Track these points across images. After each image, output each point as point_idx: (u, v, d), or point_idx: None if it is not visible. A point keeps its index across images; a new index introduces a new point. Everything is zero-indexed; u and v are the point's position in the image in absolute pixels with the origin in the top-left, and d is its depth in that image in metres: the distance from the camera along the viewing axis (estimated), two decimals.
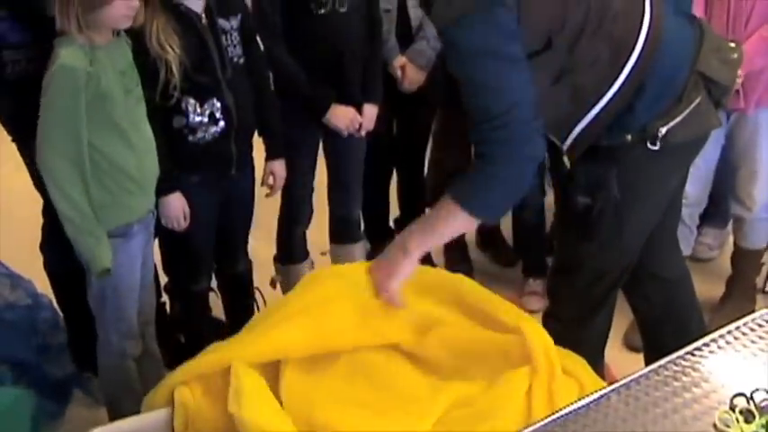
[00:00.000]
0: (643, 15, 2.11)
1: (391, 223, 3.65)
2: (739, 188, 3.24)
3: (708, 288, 3.39)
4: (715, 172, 3.27)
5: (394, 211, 3.65)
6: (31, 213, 2.94)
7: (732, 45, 2.28)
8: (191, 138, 2.63)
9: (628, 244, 2.31)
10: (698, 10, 2.85)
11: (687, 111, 2.14)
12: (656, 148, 2.13)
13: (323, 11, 2.91)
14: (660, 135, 2.12)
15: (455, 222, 2.08)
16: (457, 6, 1.96)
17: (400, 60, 3.22)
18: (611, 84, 2.10)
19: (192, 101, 2.60)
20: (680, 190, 2.49)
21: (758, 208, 3.22)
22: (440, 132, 3.49)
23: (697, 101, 2.15)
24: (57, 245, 2.69)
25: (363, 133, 3.11)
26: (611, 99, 2.11)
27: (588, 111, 2.13)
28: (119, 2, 2.32)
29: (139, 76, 2.49)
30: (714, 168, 3.24)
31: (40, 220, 2.91)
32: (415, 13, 3.19)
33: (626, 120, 2.14)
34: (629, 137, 2.15)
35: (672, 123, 2.13)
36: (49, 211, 2.80)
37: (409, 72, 3.22)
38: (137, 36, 2.50)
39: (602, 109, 2.12)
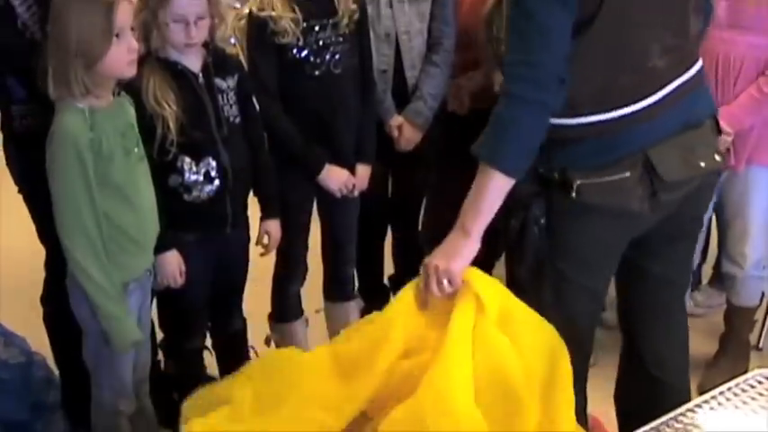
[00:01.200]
0: (655, 92, 2.13)
1: (386, 281, 3.65)
2: (731, 246, 3.26)
3: (701, 344, 3.41)
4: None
5: (388, 269, 3.66)
6: (25, 270, 2.95)
7: (717, 158, 2.25)
8: (186, 196, 2.65)
9: (572, 306, 2.28)
10: None
11: (608, 178, 2.13)
12: (574, 197, 2.13)
13: (317, 72, 2.95)
14: (575, 185, 2.12)
15: (493, 183, 2.06)
16: None
17: (397, 120, 3.23)
18: (578, 116, 2.12)
19: (187, 159, 2.63)
20: (655, 275, 2.41)
21: (750, 266, 3.23)
22: (434, 191, 3.51)
23: (624, 175, 2.13)
24: (57, 298, 2.71)
25: (357, 193, 3.13)
26: (565, 126, 2.12)
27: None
28: (116, 47, 2.34)
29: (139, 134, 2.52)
30: (706, 225, 3.26)
31: (35, 277, 2.91)
32: (411, 73, 3.22)
33: (563, 152, 2.15)
34: (555, 174, 2.16)
35: (587, 181, 2.13)
36: (52, 265, 2.82)
37: (406, 132, 3.23)
38: (134, 94, 2.54)
39: (555, 127, 2.11)
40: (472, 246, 2.11)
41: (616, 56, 2.09)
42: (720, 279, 3.62)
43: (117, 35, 2.34)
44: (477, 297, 2.08)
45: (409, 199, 3.50)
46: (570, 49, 2.04)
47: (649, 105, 2.13)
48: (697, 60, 2.25)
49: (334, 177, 3.05)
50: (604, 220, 2.19)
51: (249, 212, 2.89)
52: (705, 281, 3.87)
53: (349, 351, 2.21)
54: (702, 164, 2.21)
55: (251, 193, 2.90)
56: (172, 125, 2.57)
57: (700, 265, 3.70)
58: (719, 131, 2.33)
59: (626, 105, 2.11)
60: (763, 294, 3.40)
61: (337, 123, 3.04)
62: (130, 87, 2.52)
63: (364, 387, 2.09)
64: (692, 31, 2.21)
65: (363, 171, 3.13)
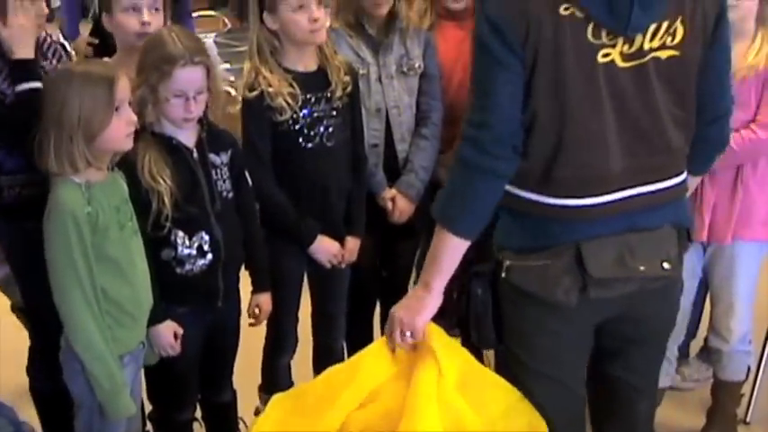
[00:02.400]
0: (600, 195, 2.09)
1: None
2: (717, 321, 3.28)
3: (689, 418, 3.42)
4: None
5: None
6: (13, 338, 2.94)
7: (666, 266, 2.15)
8: (179, 270, 2.67)
9: (544, 401, 2.24)
10: None
11: (533, 263, 2.12)
12: (504, 277, 2.17)
13: (311, 145, 2.99)
14: (505, 266, 2.16)
15: (447, 243, 2.14)
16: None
17: (390, 192, 3.27)
18: (520, 188, 2.12)
19: (181, 233, 2.65)
20: (614, 378, 2.36)
21: (736, 340, 3.25)
22: (423, 263, 3.54)
23: (547, 262, 2.11)
24: (44, 367, 2.72)
25: (344, 265, 3.16)
26: (508, 193, 2.12)
27: None
28: (116, 121, 2.40)
29: (133, 208, 2.55)
30: (692, 301, 3.28)
31: (21, 346, 2.91)
32: (401, 146, 3.27)
33: (502, 228, 2.18)
34: (499, 254, 2.19)
35: (516, 263, 2.15)
36: (37, 333, 2.83)
37: (400, 203, 3.27)
38: (129, 169, 2.57)
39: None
40: (434, 301, 2.19)
41: (555, 142, 2.06)
42: (708, 352, 3.64)
43: (117, 109, 2.40)
44: (436, 359, 2.14)
45: (398, 271, 3.52)
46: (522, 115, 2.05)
47: (591, 206, 2.09)
48: (673, 176, 2.17)
49: (325, 249, 3.09)
50: (539, 308, 2.16)
51: (240, 284, 2.90)
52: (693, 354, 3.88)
53: (314, 389, 2.27)
54: (642, 267, 2.12)
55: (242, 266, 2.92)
56: (166, 200, 2.58)
57: (688, 340, 3.71)
58: (689, 240, 2.26)
59: (566, 197, 2.09)
60: (749, 369, 3.41)
61: (329, 195, 3.08)
62: (125, 162, 2.56)
63: (325, 425, 2.12)
64: (673, 145, 2.14)
65: (353, 243, 3.16)
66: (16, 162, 2.68)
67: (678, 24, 2.04)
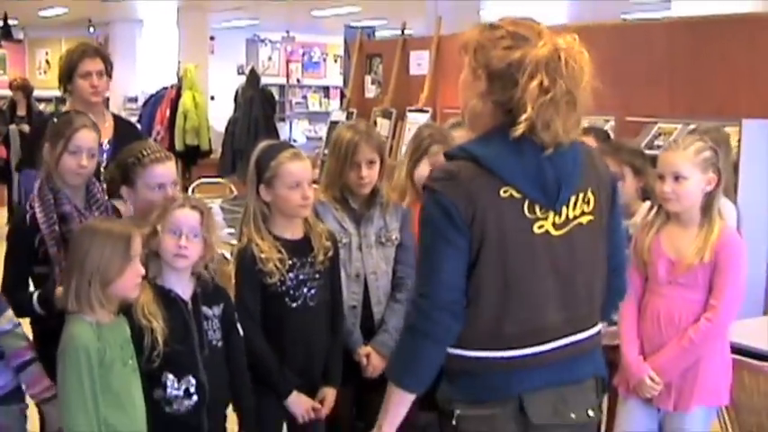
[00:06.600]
0: (543, 344, 2.39)
1: None
2: None
3: None
4: None
5: None
6: None
7: (590, 413, 2.48)
8: (167, 409, 2.94)
9: None
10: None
11: (482, 412, 2.42)
12: (454, 425, 2.43)
13: (295, 304, 3.30)
14: (455, 415, 2.44)
15: (396, 395, 2.46)
16: (436, 177, 2.40)
17: (365, 349, 3.54)
18: (469, 350, 2.41)
19: (171, 376, 2.94)
20: None
21: None
22: None
23: (495, 411, 2.41)
24: None
25: (323, 415, 3.38)
26: (458, 356, 2.41)
27: None
28: (129, 272, 2.77)
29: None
30: None
31: None
32: (377, 309, 3.58)
33: (451, 385, 2.46)
34: (449, 405, 2.45)
35: (465, 412, 2.43)
36: None
37: (374, 360, 3.52)
38: (126, 312, 2.89)
39: (449, 356, 2.42)
40: None
41: (501, 303, 2.38)
42: None
43: (130, 261, 2.77)
44: None
45: (372, 421, 3.71)
46: (466, 286, 2.38)
47: (531, 354, 2.40)
48: (593, 326, 2.51)
49: (300, 404, 3.33)
50: None
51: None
52: None
53: None
54: (573, 415, 2.45)
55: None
56: (159, 337, 2.87)
57: None
58: (604, 391, 2.58)
59: (510, 349, 2.41)
60: None
61: (310, 349, 3.35)
62: (124, 306, 2.88)
63: None
64: (595, 295, 2.50)
65: (330, 394, 3.40)
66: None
67: (590, 194, 2.44)
